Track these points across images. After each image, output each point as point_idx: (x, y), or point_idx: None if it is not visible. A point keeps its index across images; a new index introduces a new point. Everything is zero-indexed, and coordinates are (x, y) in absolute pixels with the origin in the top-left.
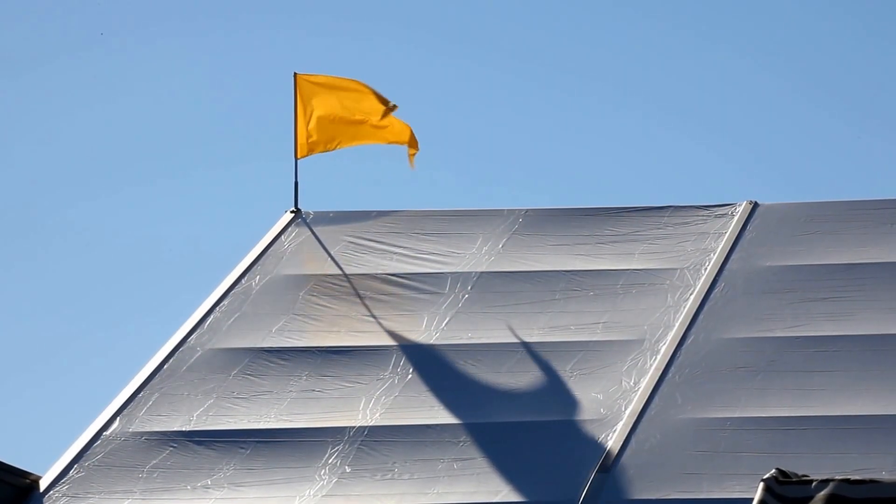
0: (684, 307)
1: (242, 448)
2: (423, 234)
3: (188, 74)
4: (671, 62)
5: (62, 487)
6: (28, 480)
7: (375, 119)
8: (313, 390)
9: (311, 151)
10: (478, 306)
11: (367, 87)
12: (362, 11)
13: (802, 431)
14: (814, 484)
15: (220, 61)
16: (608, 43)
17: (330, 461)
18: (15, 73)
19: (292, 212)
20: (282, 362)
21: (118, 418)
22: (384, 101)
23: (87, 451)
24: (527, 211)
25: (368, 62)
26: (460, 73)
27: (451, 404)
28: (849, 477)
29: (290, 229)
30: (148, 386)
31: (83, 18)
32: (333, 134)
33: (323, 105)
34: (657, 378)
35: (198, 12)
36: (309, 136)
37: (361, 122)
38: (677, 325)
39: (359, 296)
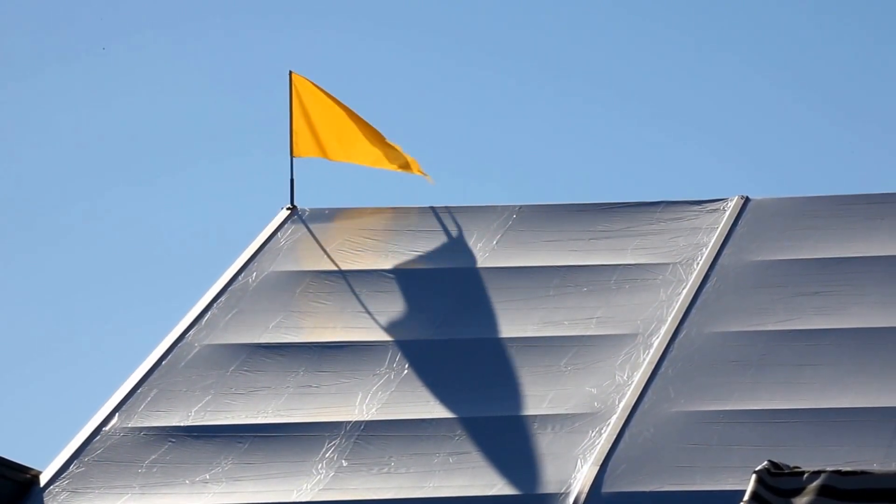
0: (677, 302)
1: (240, 443)
2: (417, 231)
3: (185, 72)
4: (662, 60)
5: (62, 483)
6: (28, 476)
7: (375, 144)
8: (310, 386)
9: (308, 153)
10: (473, 302)
11: (362, 121)
12: (360, 11)
13: (794, 424)
14: (805, 476)
15: (216, 59)
16: (599, 41)
17: (327, 456)
18: (17, 75)
19: (288, 209)
20: (279, 358)
21: (117, 414)
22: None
23: (86, 446)
24: (521, 207)
25: (365, 61)
26: (456, 72)
27: (446, 399)
28: (840, 469)
29: (286, 226)
30: (146, 382)
31: (83, 19)
32: (331, 145)
33: (319, 114)
34: (650, 372)
35: (196, 10)
36: (307, 138)
37: (361, 142)
38: (670, 319)
39: (354, 292)
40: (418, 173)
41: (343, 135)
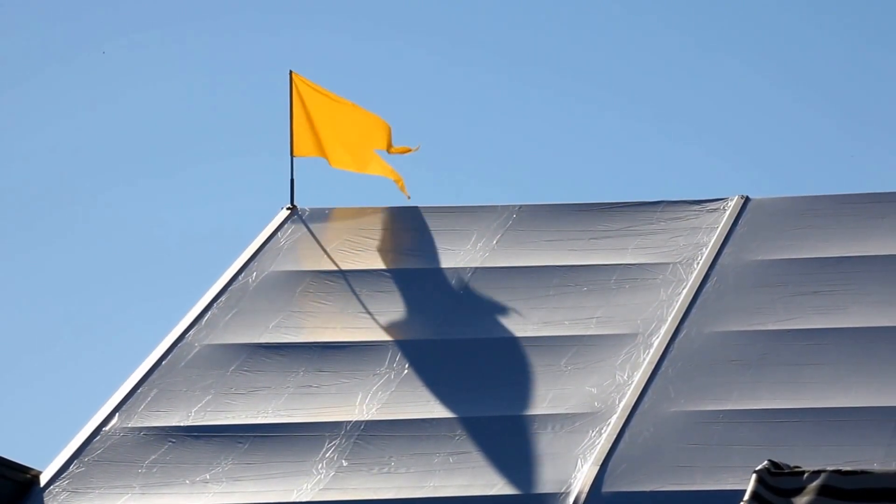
0: (677, 301)
1: (240, 443)
2: (418, 231)
3: (185, 72)
4: (662, 60)
5: (62, 483)
6: (28, 476)
7: (370, 148)
8: (310, 386)
9: (308, 153)
10: (473, 301)
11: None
12: (360, 11)
13: (794, 424)
14: (805, 475)
15: (216, 59)
16: (599, 41)
17: (327, 455)
18: (17, 75)
19: (288, 208)
20: (279, 358)
21: (117, 414)
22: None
23: (86, 446)
24: (521, 207)
25: (365, 61)
26: (456, 72)
27: (446, 399)
28: (840, 468)
29: (286, 226)
30: (146, 382)
31: (83, 19)
32: (331, 150)
33: (319, 114)
34: (650, 372)
35: (196, 10)
36: (307, 138)
37: (358, 149)
38: (670, 319)
39: (354, 292)
40: (402, 189)
41: (342, 141)
